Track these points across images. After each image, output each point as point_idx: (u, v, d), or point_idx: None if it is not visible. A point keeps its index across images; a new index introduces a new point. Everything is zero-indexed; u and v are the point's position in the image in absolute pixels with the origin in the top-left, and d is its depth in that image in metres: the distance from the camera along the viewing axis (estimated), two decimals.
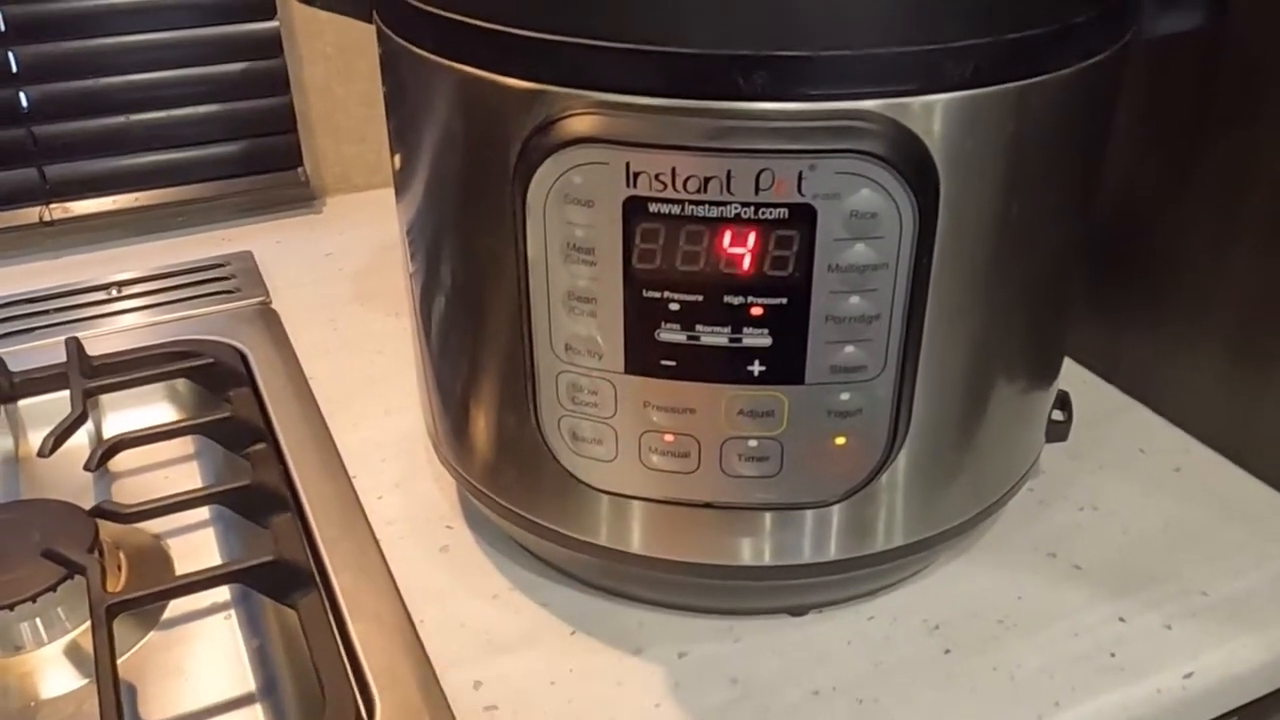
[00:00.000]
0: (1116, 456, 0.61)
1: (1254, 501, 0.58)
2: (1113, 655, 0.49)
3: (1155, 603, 0.51)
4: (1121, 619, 0.50)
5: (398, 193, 0.49)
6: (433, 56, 0.41)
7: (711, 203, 0.37)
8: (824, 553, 0.46)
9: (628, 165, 0.37)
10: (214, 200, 0.86)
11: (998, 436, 0.48)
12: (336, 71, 0.87)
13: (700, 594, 0.50)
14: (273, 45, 0.84)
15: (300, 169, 0.88)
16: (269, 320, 0.74)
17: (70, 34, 0.78)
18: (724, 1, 0.35)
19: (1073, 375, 0.67)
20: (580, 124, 0.37)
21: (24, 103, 0.79)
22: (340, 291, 0.78)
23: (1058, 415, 0.55)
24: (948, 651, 0.49)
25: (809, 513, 0.45)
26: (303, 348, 0.71)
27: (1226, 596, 0.52)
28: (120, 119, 0.82)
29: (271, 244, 0.85)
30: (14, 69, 0.78)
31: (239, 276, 0.79)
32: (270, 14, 0.83)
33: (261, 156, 0.87)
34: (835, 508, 0.45)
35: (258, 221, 0.88)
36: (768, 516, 0.44)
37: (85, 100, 0.80)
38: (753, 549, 0.46)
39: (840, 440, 0.41)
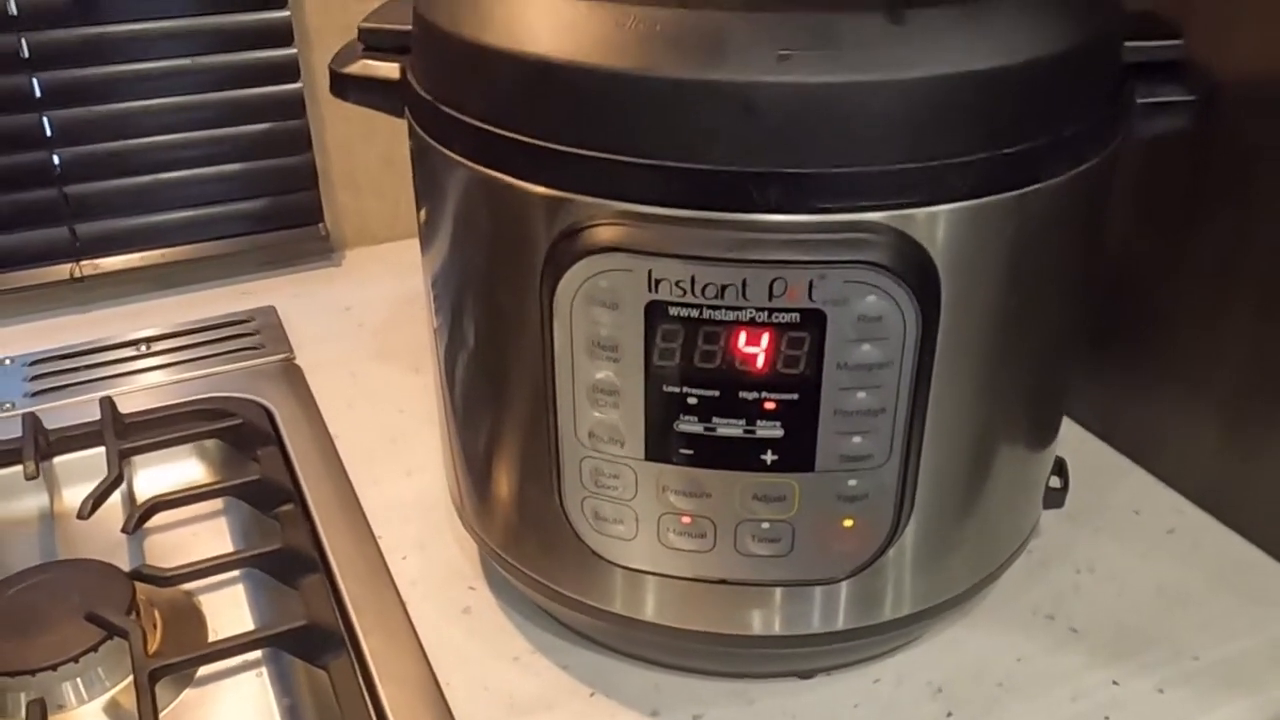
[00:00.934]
0: (1113, 518, 0.63)
1: (1245, 565, 0.60)
2: (1107, 718, 0.51)
3: (1149, 666, 0.54)
4: (1116, 682, 0.53)
5: (426, 271, 0.51)
6: (463, 160, 0.43)
7: (728, 307, 0.39)
8: (832, 623, 0.49)
9: (650, 273, 0.39)
10: (237, 255, 0.89)
11: (997, 510, 0.51)
12: (357, 131, 0.90)
13: (714, 659, 0.52)
14: (296, 107, 0.86)
15: (321, 224, 0.91)
16: (293, 376, 0.77)
17: (101, 99, 0.81)
18: (740, 121, 0.38)
19: (1073, 436, 0.70)
20: (606, 233, 0.40)
21: (57, 164, 0.82)
22: (361, 347, 0.81)
23: (1055, 482, 0.57)
24: (950, 715, 0.51)
25: (818, 587, 0.48)
26: (326, 405, 0.74)
27: (1218, 660, 0.54)
28: (148, 178, 0.85)
29: (292, 297, 0.87)
30: (48, 133, 0.80)
31: (263, 332, 0.82)
32: (294, 77, 0.85)
33: (284, 212, 0.89)
34: (844, 583, 0.47)
35: (280, 274, 0.91)
36: (779, 591, 0.47)
37: (115, 161, 0.83)
38: (764, 620, 0.48)
39: (848, 522, 0.44)
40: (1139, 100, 0.46)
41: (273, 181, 0.88)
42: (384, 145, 0.91)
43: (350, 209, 0.94)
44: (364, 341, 0.82)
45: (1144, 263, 0.64)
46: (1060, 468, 0.58)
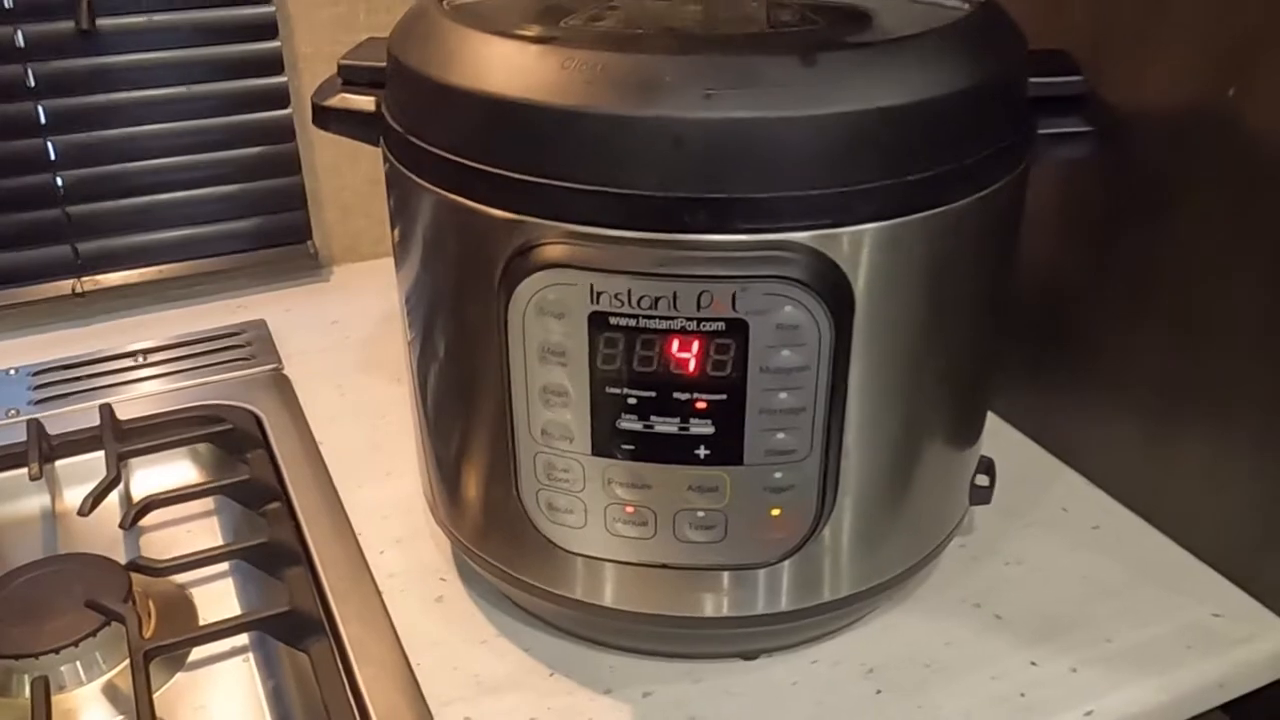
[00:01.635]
0: (1043, 515, 0.68)
1: (1164, 558, 0.64)
2: (1023, 695, 0.55)
3: (1065, 649, 0.58)
4: (1034, 663, 0.57)
5: (400, 287, 0.56)
6: (430, 186, 0.48)
7: (662, 317, 0.44)
8: (770, 606, 0.53)
9: (592, 286, 0.44)
10: (230, 271, 0.94)
11: (922, 502, 0.56)
12: (345, 154, 0.95)
13: (663, 641, 0.57)
14: (286, 131, 0.91)
15: (310, 242, 0.96)
16: (281, 386, 0.82)
17: (102, 125, 0.86)
18: (671, 153, 0.43)
19: (1009, 437, 0.75)
20: (553, 251, 0.44)
21: (60, 186, 0.86)
22: (346, 359, 0.86)
23: (982, 480, 0.62)
24: (879, 693, 0.56)
25: (760, 571, 0.52)
26: (312, 412, 0.78)
27: (1131, 644, 0.59)
28: (146, 199, 0.89)
29: (283, 311, 0.92)
30: (52, 157, 0.85)
31: (254, 344, 0.87)
32: (284, 104, 0.91)
33: (274, 231, 0.94)
34: (782, 566, 0.52)
35: (270, 290, 0.96)
36: (717, 575, 0.51)
37: (115, 183, 0.88)
38: (704, 602, 0.53)
39: (776, 511, 0.49)
40: (1041, 131, 0.51)
41: (264, 202, 0.93)
42: (369, 167, 0.96)
43: (338, 227, 0.99)
44: (350, 353, 0.87)
45: (1068, 275, 0.68)
46: (989, 467, 0.62)
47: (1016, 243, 0.55)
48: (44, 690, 0.55)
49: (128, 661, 0.56)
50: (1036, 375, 0.73)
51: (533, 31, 0.47)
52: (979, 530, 0.66)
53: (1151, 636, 0.59)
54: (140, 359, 0.85)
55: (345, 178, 0.96)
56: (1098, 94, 0.55)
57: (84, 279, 0.89)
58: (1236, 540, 0.62)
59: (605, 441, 0.48)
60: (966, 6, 0.50)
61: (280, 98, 0.91)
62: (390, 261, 0.57)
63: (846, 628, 0.60)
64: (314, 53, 0.91)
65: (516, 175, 0.45)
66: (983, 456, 0.61)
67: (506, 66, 0.45)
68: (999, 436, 0.74)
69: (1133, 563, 0.64)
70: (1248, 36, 0.54)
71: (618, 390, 0.46)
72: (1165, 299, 0.63)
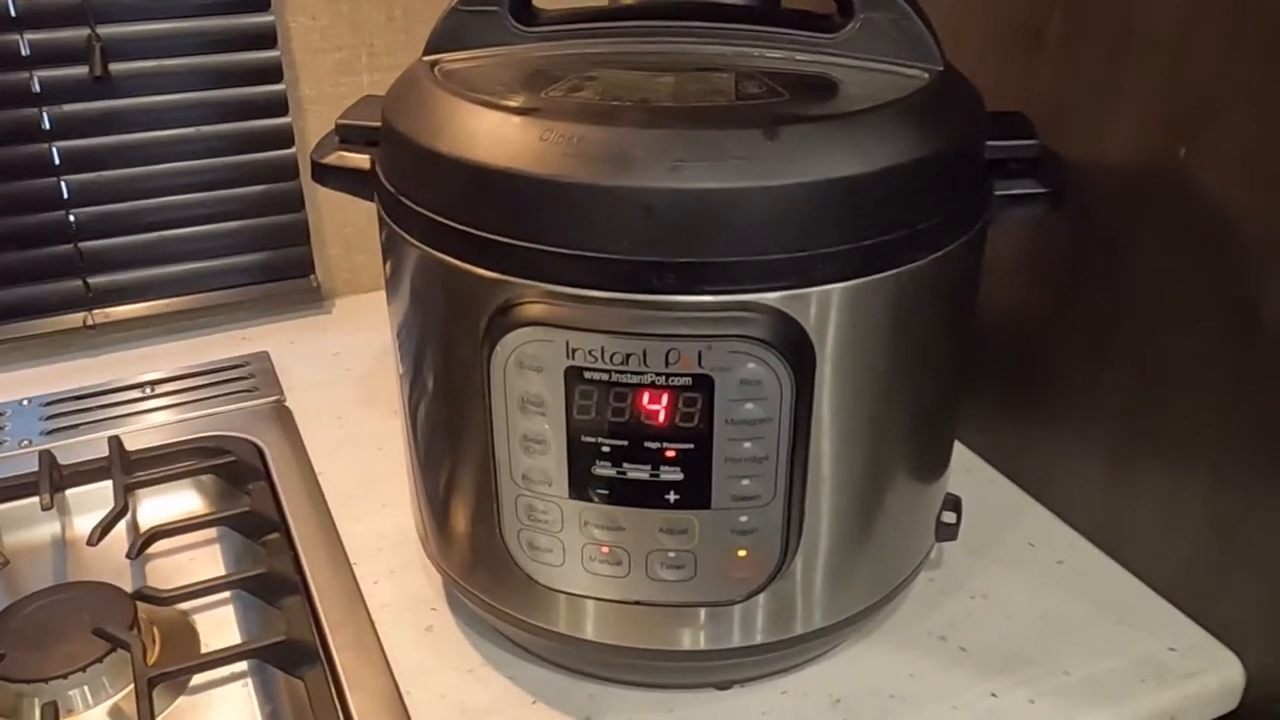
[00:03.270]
0: (1010, 551, 0.71)
1: (1124, 593, 0.67)
2: None
3: (1025, 681, 0.61)
4: (994, 694, 0.60)
5: (391, 323, 0.59)
6: (418, 244, 0.52)
7: (633, 372, 0.47)
8: (742, 639, 0.56)
9: (567, 343, 0.47)
10: (236, 305, 0.97)
11: (889, 540, 0.58)
12: None
13: (639, 672, 0.60)
14: (290, 170, 0.95)
15: (312, 276, 0.99)
16: (283, 418, 0.85)
17: (114, 164, 0.90)
18: (641, 219, 0.46)
19: (981, 473, 0.77)
20: (532, 310, 0.48)
21: (73, 223, 0.90)
22: (346, 392, 0.89)
23: (949, 517, 0.64)
24: None
25: (734, 606, 0.55)
26: (313, 444, 0.81)
27: (1088, 675, 0.61)
28: (155, 235, 0.93)
29: (286, 344, 0.95)
30: (65, 195, 0.89)
31: (257, 376, 0.90)
32: (289, 143, 0.94)
33: (279, 266, 0.98)
34: (755, 601, 0.54)
35: (274, 322, 0.99)
36: (687, 611, 0.54)
37: (125, 220, 0.92)
38: (682, 636, 0.56)
39: (742, 552, 0.52)
40: (998, 192, 0.54)
41: (269, 238, 0.97)
42: (371, 205, 0.99)
43: (341, 262, 1.02)
44: (350, 385, 0.90)
45: (1037, 319, 0.71)
46: (955, 504, 0.65)
47: (975, 297, 0.58)
48: (54, 715, 0.58)
49: (133, 686, 0.59)
50: (1008, 414, 0.76)
51: (516, 101, 0.50)
52: (947, 564, 0.69)
53: (1107, 669, 0.62)
54: (148, 390, 0.88)
55: (347, 214, 1.00)
56: (1056, 155, 0.58)
57: (95, 312, 0.92)
58: (1192, 575, 0.65)
59: (582, 486, 0.51)
60: (927, 76, 0.53)
61: (285, 138, 0.94)
62: None
63: (815, 659, 0.62)
64: (317, 95, 0.95)
65: (498, 238, 0.48)
66: (949, 494, 0.64)
67: (491, 136, 0.48)
68: (973, 473, 0.77)
69: (1093, 597, 0.67)
70: (1199, 100, 0.58)
71: (593, 439, 0.49)
72: (1126, 343, 0.65)
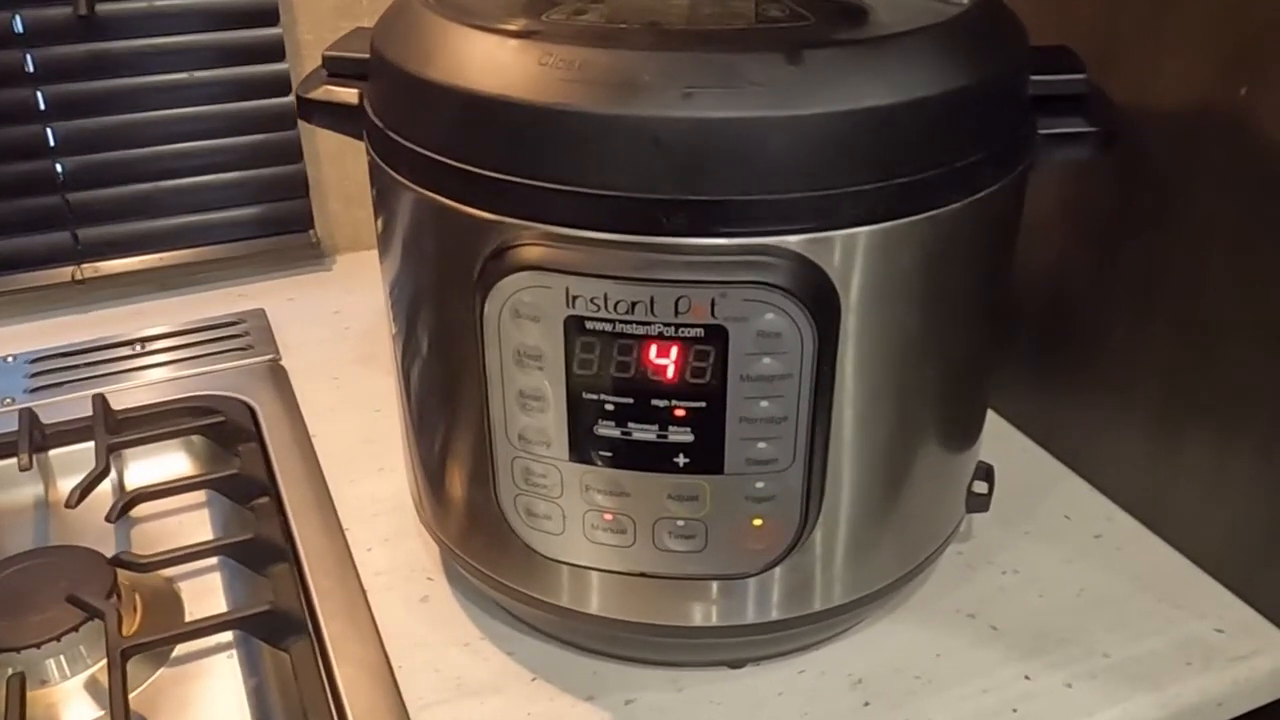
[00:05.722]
0: (1043, 523, 0.66)
1: (1165, 568, 0.63)
2: (1015, 711, 0.54)
3: (1060, 663, 0.57)
4: (1028, 677, 0.56)
5: (384, 280, 0.55)
6: (408, 182, 0.47)
7: (639, 322, 0.43)
8: (752, 616, 0.52)
9: (568, 289, 0.43)
10: (232, 260, 0.93)
11: (913, 511, 0.54)
12: (348, 144, 0.93)
13: (645, 648, 0.56)
14: (288, 119, 0.91)
15: (312, 231, 0.95)
16: (278, 377, 0.81)
17: (102, 111, 0.86)
18: (649, 153, 0.41)
19: (1014, 442, 0.73)
20: (528, 253, 0.43)
21: (60, 172, 0.86)
22: (344, 351, 0.85)
23: (980, 487, 0.60)
24: (867, 704, 0.55)
25: (748, 580, 0.51)
26: (308, 405, 0.78)
27: (1128, 658, 0.57)
28: (147, 186, 0.89)
29: (284, 301, 0.91)
30: (52, 143, 0.85)
31: (253, 334, 0.86)
32: (286, 91, 0.90)
33: (276, 220, 0.94)
34: (770, 575, 0.50)
35: (272, 278, 0.95)
36: (698, 584, 0.50)
37: (115, 169, 0.88)
38: (692, 611, 0.52)
39: (758, 521, 0.47)
40: (1042, 131, 0.50)
41: (266, 190, 0.92)
42: None
43: (342, 217, 0.98)
44: (349, 344, 0.86)
45: (1076, 277, 0.67)
46: (987, 474, 0.61)
47: (1014, 246, 0.53)
48: (19, 687, 0.55)
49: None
50: (1043, 379, 0.71)
51: (514, 25, 0.46)
52: (977, 537, 0.65)
53: (1149, 651, 0.58)
54: (138, 348, 0.84)
55: (349, 167, 0.96)
56: (1104, 93, 0.53)
57: (84, 266, 0.89)
58: (1239, 550, 0.60)
59: (583, 447, 0.46)
60: (965, 2, 0.49)
61: (282, 85, 0.90)
62: None
63: (835, 637, 0.58)
64: (315, 39, 0.90)
65: (492, 174, 0.44)
66: (981, 463, 0.60)
67: (484, 61, 0.44)
68: (1007, 441, 0.73)
69: (1133, 573, 0.63)
70: (1261, 34, 0.53)
71: (595, 396, 0.45)
72: (1172, 302, 0.61)
